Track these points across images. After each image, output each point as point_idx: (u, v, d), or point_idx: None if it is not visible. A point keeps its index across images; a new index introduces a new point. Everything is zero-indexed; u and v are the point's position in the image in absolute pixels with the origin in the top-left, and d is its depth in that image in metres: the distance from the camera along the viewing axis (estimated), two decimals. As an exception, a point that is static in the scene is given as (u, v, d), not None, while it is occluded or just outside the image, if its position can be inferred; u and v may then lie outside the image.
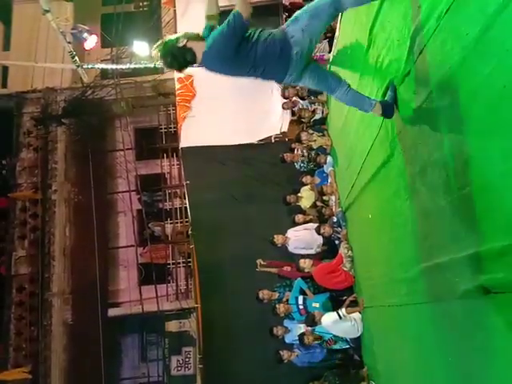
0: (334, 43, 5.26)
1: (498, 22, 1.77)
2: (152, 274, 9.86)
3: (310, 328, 5.31)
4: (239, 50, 2.59)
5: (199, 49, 2.58)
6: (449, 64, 2.23)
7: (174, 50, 2.54)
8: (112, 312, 10.10)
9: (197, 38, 2.61)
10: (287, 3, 6.76)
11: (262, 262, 5.88)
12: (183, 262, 10.57)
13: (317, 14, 2.61)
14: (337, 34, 5.10)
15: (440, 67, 2.33)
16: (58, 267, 9.69)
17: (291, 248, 5.89)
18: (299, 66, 2.68)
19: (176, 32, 7.66)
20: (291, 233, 5.92)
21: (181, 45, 2.54)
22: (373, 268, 4.42)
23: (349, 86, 2.93)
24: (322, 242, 5.73)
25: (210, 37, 2.60)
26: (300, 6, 6.49)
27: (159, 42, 2.60)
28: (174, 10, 7.83)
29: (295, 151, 6.32)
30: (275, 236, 5.82)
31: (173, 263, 10.62)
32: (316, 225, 5.75)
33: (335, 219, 5.59)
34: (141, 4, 10.41)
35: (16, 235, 9.83)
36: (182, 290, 10.54)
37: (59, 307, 9.55)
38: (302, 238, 5.84)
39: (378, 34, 3.51)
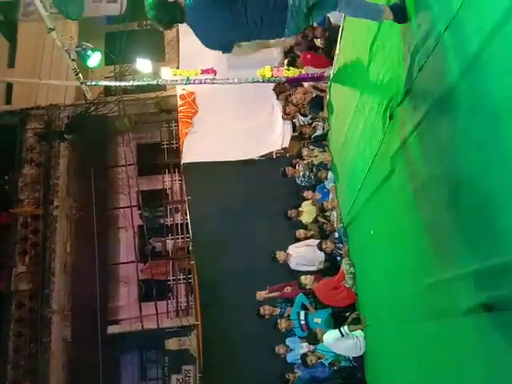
0: (335, 60, 5.33)
1: (495, 40, 1.80)
2: (152, 290, 9.78)
3: (312, 347, 5.25)
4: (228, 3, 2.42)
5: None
6: (448, 81, 2.26)
7: (163, 4, 2.40)
8: (111, 329, 9.98)
9: None
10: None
11: (262, 294, 5.84)
12: (184, 279, 10.50)
13: None
14: (337, 51, 5.18)
15: (439, 84, 2.36)
16: (58, 283, 9.61)
17: (293, 265, 5.86)
18: (296, 17, 2.51)
19: (179, 51, 7.82)
20: (292, 249, 5.90)
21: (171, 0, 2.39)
22: (375, 285, 4.38)
23: None
24: (323, 258, 5.70)
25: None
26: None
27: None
28: (177, 29, 7.97)
29: (297, 166, 6.35)
30: (277, 252, 5.80)
31: (173, 279, 10.55)
32: (317, 241, 5.73)
33: (337, 235, 5.58)
34: (144, 22, 10.60)
35: (17, 251, 9.78)
36: (183, 307, 10.43)
37: (58, 324, 9.43)
38: (303, 254, 5.81)
39: (378, 51, 3.56)
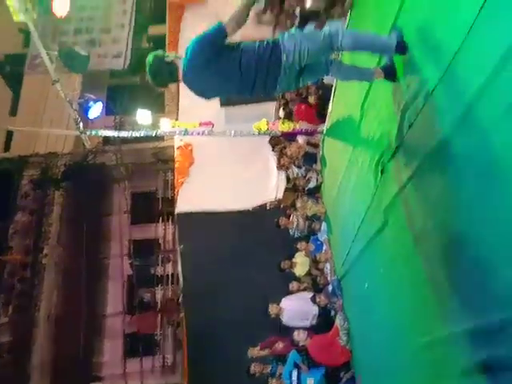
0: (328, 116, 5.55)
1: (481, 101, 1.90)
2: (138, 344, 9.37)
3: (304, 408, 4.98)
4: (222, 54, 2.59)
5: (180, 61, 2.63)
6: (437, 138, 2.34)
7: (161, 64, 2.62)
8: (94, 387, 9.44)
9: (178, 56, 2.66)
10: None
11: (254, 351, 5.64)
12: (172, 332, 10.11)
13: (313, 38, 2.63)
14: (330, 108, 5.40)
15: (429, 140, 2.44)
16: (40, 336, 9.20)
17: (286, 320, 5.70)
18: (289, 74, 2.64)
19: (178, 104, 8.11)
20: (285, 302, 5.77)
21: (169, 60, 2.62)
22: (370, 342, 4.25)
23: (339, 62, 2.91)
24: (317, 312, 5.56)
25: (189, 44, 2.61)
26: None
27: (149, 56, 2.64)
28: (178, 83, 8.33)
29: (291, 217, 6.38)
30: (269, 306, 5.66)
31: (161, 333, 10.15)
32: (311, 294, 5.62)
33: (331, 288, 5.48)
34: (146, 77, 11.08)
35: (0, 301, 9.46)
36: (169, 364, 9.95)
37: (38, 380, 8.90)
38: (296, 308, 5.68)
39: (369, 108, 3.73)
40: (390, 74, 2.93)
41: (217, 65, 2.60)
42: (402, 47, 2.67)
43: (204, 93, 2.79)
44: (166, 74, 2.66)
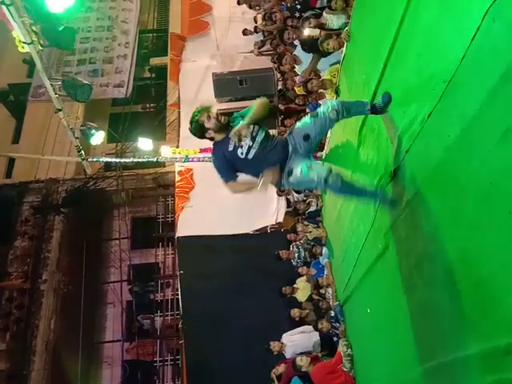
0: (326, 142, 5.65)
1: (477, 125, 1.95)
2: (137, 372, 9.19)
3: None
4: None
5: (218, 138, 2.95)
6: (434, 163, 2.39)
7: (201, 131, 2.93)
8: (91, 417, 9.20)
9: (222, 128, 2.91)
10: (283, 108, 7.38)
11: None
12: (171, 360, 9.92)
13: (321, 129, 2.96)
14: (328, 134, 5.51)
15: (426, 166, 2.49)
16: (38, 363, 9.02)
17: (288, 355, 5.63)
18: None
19: (179, 132, 8.24)
20: (287, 338, 5.72)
21: (208, 136, 2.94)
22: (374, 368, 4.19)
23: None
24: (318, 339, 5.50)
25: (214, 155, 3.02)
26: (295, 111, 7.10)
27: (199, 111, 2.91)
28: (179, 112, 8.50)
29: (291, 248, 6.39)
30: (271, 343, 5.62)
31: (160, 361, 9.96)
32: (311, 327, 5.58)
33: (333, 313, 5.44)
34: (148, 105, 11.30)
35: (-2, 328, 9.34)
36: (168, 393, 9.73)
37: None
38: (298, 343, 5.63)
39: (366, 134, 3.81)
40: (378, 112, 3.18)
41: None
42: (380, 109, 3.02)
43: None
44: (201, 132, 2.95)
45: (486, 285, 1.95)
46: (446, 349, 2.43)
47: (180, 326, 7.32)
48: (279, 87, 7.28)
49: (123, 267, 10.20)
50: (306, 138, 2.93)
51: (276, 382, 5.61)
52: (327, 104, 2.96)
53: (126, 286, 10.47)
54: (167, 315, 10.21)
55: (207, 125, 2.87)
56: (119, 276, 10.25)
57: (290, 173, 2.89)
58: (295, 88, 6.54)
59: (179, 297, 7.36)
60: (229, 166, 2.96)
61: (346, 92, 4.48)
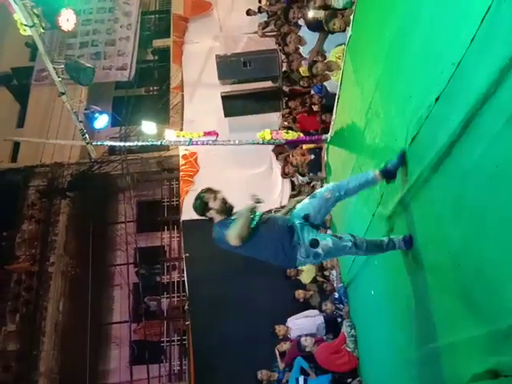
0: (332, 125, 5.61)
1: (484, 108, 1.94)
2: (144, 352, 9.40)
3: (312, 415, 4.98)
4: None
5: (215, 219, 2.98)
6: (441, 148, 2.37)
7: (203, 210, 2.98)
8: (100, 395, 9.46)
9: (224, 211, 2.96)
10: (287, 90, 7.30)
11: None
12: (178, 340, 10.12)
13: (320, 209, 2.99)
14: (333, 116, 5.46)
15: (433, 151, 2.47)
16: (47, 344, 9.23)
17: (294, 336, 5.72)
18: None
19: (183, 115, 8.20)
20: (292, 322, 5.79)
21: (209, 216, 2.98)
22: (377, 349, 4.26)
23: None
24: (323, 321, 5.57)
25: (217, 225, 2.95)
26: (299, 93, 7.03)
27: (203, 194, 3.01)
28: (182, 95, 8.44)
29: None
30: (276, 327, 5.69)
31: (167, 341, 10.16)
32: (316, 311, 5.64)
33: (337, 295, 5.50)
34: (151, 88, 11.23)
35: (8, 309, 9.52)
36: (176, 371, 9.95)
37: (45, 388, 8.95)
38: (302, 326, 5.71)
39: (372, 118, 3.77)
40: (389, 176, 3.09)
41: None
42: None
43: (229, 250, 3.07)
44: (203, 213, 3.00)
45: (488, 270, 1.97)
46: (448, 331, 2.47)
47: (186, 307, 7.43)
48: (283, 69, 7.18)
49: (129, 250, 10.32)
50: (306, 218, 2.97)
51: (279, 357, 5.72)
52: (325, 186, 3.12)
53: (133, 268, 10.61)
54: (173, 297, 10.37)
55: (211, 204, 2.95)
56: (126, 259, 10.39)
57: (315, 244, 2.86)
58: (300, 70, 6.47)
59: (185, 279, 7.45)
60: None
61: (351, 73, 4.42)
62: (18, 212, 10.34)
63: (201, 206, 2.97)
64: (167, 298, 10.39)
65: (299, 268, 6.24)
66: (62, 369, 9.22)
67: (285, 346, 5.67)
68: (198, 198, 3.00)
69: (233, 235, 2.79)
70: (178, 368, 9.99)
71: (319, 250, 2.84)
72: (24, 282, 9.82)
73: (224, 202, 2.98)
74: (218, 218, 2.95)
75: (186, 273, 7.39)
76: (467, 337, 2.20)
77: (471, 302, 2.17)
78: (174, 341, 10.18)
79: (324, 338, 5.50)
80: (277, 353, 5.72)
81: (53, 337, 9.34)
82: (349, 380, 4.90)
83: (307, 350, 5.30)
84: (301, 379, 5.26)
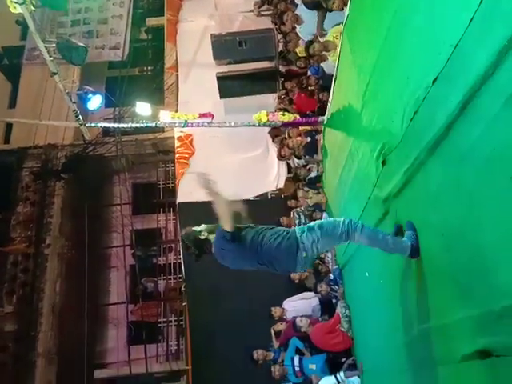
0: (328, 106, 5.55)
1: (482, 90, 1.92)
2: (142, 332, 9.51)
3: (307, 393, 5.09)
4: (240, 247, 2.91)
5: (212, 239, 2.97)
6: (438, 130, 2.36)
7: (196, 241, 2.99)
8: (98, 374, 9.58)
9: (213, 230, 2.95)
10: (283, 70, 7.20)
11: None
12: (175, 321, 10.24)
13: (330, 235, 2.86)
14: (330, 98, 5.40)
15: (430, 133, 2.46)
16: (45, 325, 9.32)
17: (290, 317, 5.79)
18: (305, 263, 2.97)
19: (178, 96, 8.09)
20: (288, 304, 5.86)
21: (202, 238, 2.97)
22: (371, 329, 4.33)
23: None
24: (319, 305, 5.64)
25: (215, 237, 2.95)
26: (296, 74, 6.95)
27: (185, 230, 3.08)
28: (177, 75, 8.30)
29: (291, 214, 6.41)
30: (272, 309, 5.76)
31: (164, 321, 10.28)
32: (312, 293, 5.70)
33: (332, 277, 5.56)
34: (145, 68, 11.03)
35: (4, 290, 9.57)
36: (173, 351, 10.11)
37: (43, 368, 9.06)
38: (298, 308, 5.77)
39: (369, 100, 3.73)
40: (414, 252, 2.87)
41: (237, 257, 2.99)
42: (415, 251, 2.77)
43: (229, 265, 3.11)
44: (199, 248, 3.01)
45: (483, 252, 1.98)
46: (442, 312, 2.50)
47: (183, 288, 7.49)
48: (280, 49, 7.07)
49: (125, 232, 10.33)
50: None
51: (274, 337, 5.81)
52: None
53: (129, 250, 10.64)
54: (170, 278, 10.45)
55: (198, 229, 3.01)
56: (122, 241, 10.40)
57: (311, 229, 2.86)
58: (296, 50, 6.36)
59: (181, 261, 7.48)
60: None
61: (348, 54, 4.35)
62: (12, 194, 10.28)
63: (194, 237, 3.00)
64: (164, 279, 10.46)
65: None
66: (60, 349, 9.33)
67: (280, 327, 5.76)
68: (187, 237, 3.04)
69: (222, 220, 2.81)
70: (176, 348, 10.14)
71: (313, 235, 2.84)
72: (20, 263, 9.84)
73: (206, 225, 3.01)
74: (211, 236, 2.98)
75: (182, 255, 7.42)
76: (459, 318, 2.23)
77: (465, 284, 2.19)
78: (171, 321, 10.30)
79: (319, 318, 5.58)
80: (272, 333, 5.80)
81: (50, 318, 9.42)
82: (343, 359, 4.99)
83: (302, 330, 5.38)
84: (296, 358, 5.37)
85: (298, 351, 5.48)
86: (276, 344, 5.78)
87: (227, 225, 2.82)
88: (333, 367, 5.01)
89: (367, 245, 2.99)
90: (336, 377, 4.65)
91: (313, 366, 5.21)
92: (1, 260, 9.85)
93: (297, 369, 5.30)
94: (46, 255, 9.89)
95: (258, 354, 5.63)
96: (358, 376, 4.68)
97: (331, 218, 3.09)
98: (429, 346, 2.72)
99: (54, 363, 9.21)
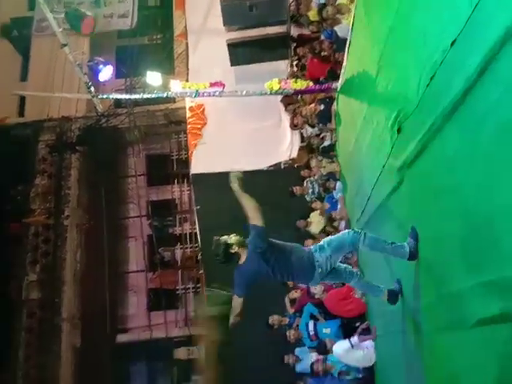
0: (342, 72, 5.40)
1: (501, 52, 1.83)
2: (161, 299, 9.82)
3: (321, 357, 5.24)
4: (266, 262, 3.19)
5: (243, 255, 3.23)
6: (455, 95, 2.28)
7: (226, 253, 3.21)
8: (120, 338, 10.02)
9: (243, 244, 3.21)
10: (295, 35, 6.99)
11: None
12: (193, 288, 10.53)
13: (339, 249, 3.29)
14: (344, 63, 5.25)
15: (447, 98, 2.38)
16: (68, 292, 9.70)
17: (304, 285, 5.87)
18: (320, 278, 3.33)
19: (188, 64, 7.97)
20: None
21: (233, 251, 3.19)
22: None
23: (359, 276, 3.61)
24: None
25: (248, 254, 3.21)
26: (308, 39, 6.74)
27: (216, 241, 3.25)
28: (186, 43, 8.14)
29: (304, 183, 6.39)
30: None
31: (182, 289, 10.59)
32: None
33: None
34: (154, 37, 10.80)
35: (28, 260, 9.92)
36: (191, 317, 10.44)
37: (68, 332, 9.51)
38: None
39: (385, 65, 3.62)
40: (392, 298, 3.53)
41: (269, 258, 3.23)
42: (413, 256, 3.12)
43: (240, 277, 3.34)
44: (228, 258, 3.24)
45: (500, 218, 1.95)
46: (456, 278, 2.50)
47: (199, 257, 7.65)
48: (291, 13, 6.83)
49: (141, 203, 10.48)
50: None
51: (289, 305, 5.94)
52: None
53: (146, 220, 10.83)
54: (187, 247, 10.66)
55: (230, 241, 3.21)
56: (138, 212, 10.58)
57: (322, 248, 3.27)
58: (309, 14, 6.14)
59: (197, 230, 7.61)
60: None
61: (363, 16, 4.19)
62: (29, 167, 10.46)
63: (224, 249, 3.19)
64: (181, 248, 10.68)
65: (308, 219, 6.31)
66: (84, 315, 9.73)
67: (295, 294, 5.87)
68: (217, 247, 3.22)
69: (253, 216, 3.12)
70: (194, 313, 10.45)
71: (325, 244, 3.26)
72: (41, 234, 10.14)
73: (238, 236, 3.23)
74: (243, 252, 3.20)
75: (197, 224, 7.54)
76: (474, 283, 2.23)
77: (481, 250, 2.18)
78: (188, 288, 10.59)
79: (333, 285, 5.66)
80: (287, 300, 5.93)
81: (72, 285, 9.78)
82: (357, 324, 5.09)
83: (316, 297, 5.48)
84: (310, 323, 5.50)
85: (313, 317, 5.61)
86: (291, 310, 5.92)
87: (259, 221, 3.12)
88: (347, 332, 5.13)
89: (369, 250, 3.48)
90: (350, 341, 4.76)
91: (327, 331, 5.34)
92: (23, 231, 10.16)
93: (311, 333, 5.44)
94: (66, 226, 10.15)
95: (274, 319, 5.78)
96: (372, 340, 4.78)
97: (337, 235, 3.42)
98: (443, 311, 2.75)
99: (78, 328, 9.63)
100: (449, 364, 2.73)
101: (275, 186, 6.86)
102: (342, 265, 3.53)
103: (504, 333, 2.00)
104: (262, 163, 7.25)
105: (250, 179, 7.10)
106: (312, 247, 3.33)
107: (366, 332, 4.84)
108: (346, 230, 3.38)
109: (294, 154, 7.12)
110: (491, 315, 2.07)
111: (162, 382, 10.66)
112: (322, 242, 3.30)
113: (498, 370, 2.07)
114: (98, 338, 9.40)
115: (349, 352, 4.80)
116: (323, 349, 5.05)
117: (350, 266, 3.68)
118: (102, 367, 9.00)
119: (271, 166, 7.29)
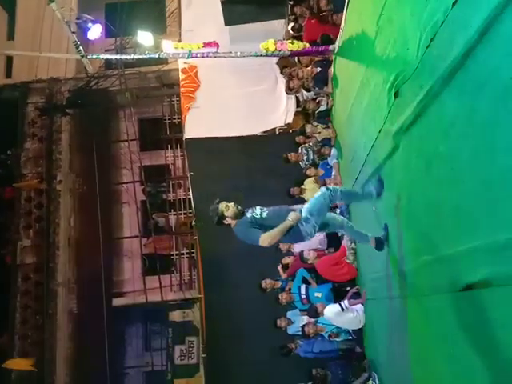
0: (340, 33, 5.22)
1: (505, 14, 1.75)
2: (156, 264, 9.93)
3: (312, 320, 5.36)
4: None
5: (232, 224, 3.42)
6: (455, 58, 2.21)
7: (219, 217, 3.41)
8: (116, 302, 10.19)
9: (238, 216, 3.39)
10: (293, -7, 6.70)
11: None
12: (187, 253, 10.62)
13: (321, 212, 3.47)
14: (342, 23, 5.06)
15: (446, 61, 2.31)
16: (62, 257, 9.75)
17: (297, 251, 5.90)
18: (312, 237, 3.54)
19: (180, 23, 7.65)
20: (296, 246, 5.94)
21: (226, 222, 3.41)
22: (375, 260, 4.43)
23: (347, 223, 3.90)
24: (325, 238, 5.73)
25: (238, 226, 3.41)
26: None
27: (215, 204, 3.42)
28: (179, 0, 7.79)
29: (299, 150, 6.30)
30: (280, 244, 5.84)
31: (176, 254, 10.68)
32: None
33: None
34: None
35: (21, 225, 9.89)
36: (186, 281, 10.60)
37: (64, 296, 9.64)
38: (305, 243, 5.85)
39: (384, 25, 3.49)
40: (379, 245, 3.78)
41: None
42: (381, 245, 3.72)
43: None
44: (219, 223, 3.44)
45: (492, 185, 1.94)
46: (446, 243, 2.52)
47: (193, 223, 7.65)
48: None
49: (134, 169, 10.37)
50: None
51: (281, 270, 6.02)
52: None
53: (139, 186, 10.76)
54: (180, 214, 10.66)
55: (226, 213, 3.37)
56: (131, 177, 10.48)
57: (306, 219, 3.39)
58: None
59: (191, 197, 7.57)
60: (252, 227, 3.37)
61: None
62: (19, 130, 10.23)
63: (219, 218, 3.40)
64: (174, 214, 10.69)
65: (303, 186, 6.28)
66: (79, 279, 9.84)
67: (288, 260, 5.93)
68: (215, 213, 3.38)
69: (267, 239, 3.26)
70: (188, 278, 10.62)
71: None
72: (34, 199, 10.07)
73: (236, 208, 3.38)
74: (234, 222, 3.39)
75: (191, 191, 7.49)
76: (464, 248, 2.24)
77: (472, 216, 2.18)
78: (183, 254, 10.68)
79: (326, 251, 5.72)
80: (279, 266, 6.00)
81: (67, 250, 9.82)
82: (348, 288, 5.19)
83: (309, 262, 5.54)
84: (303, 287, 5.60)
85: (305, 281, 5.70)
86: (283, 275, 6.00)
87: (264, 242, 3.30)
88: (337, 296, 5.23)
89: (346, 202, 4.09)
90: (340, 304, 4.86)
91: (318, 294, 5.44)
92: (15, 196, 10.08)
93: (303, 296, 5.54)
94: (59, 191, 10.07)
95: (267, 283, 5.86)
96: (362, 304, 4.89)
97: (314, 199, 3.49)
98: (431, 275, 2.78)
99: (74, 292, 9.77)
100: (435, 327, 2.78)
101: (269, 151, 6.78)
102: (330, 216, 3.69)
103: (492, 297, 2.02)
104: (257, 128, 7.12)
105: (245, 145, 7.06)
106: (299, 218, 3.38)
107: (356, 296, 4.94)
108: (320, 192, 3.49)
109: (290, 119, 6.98)
110: (480, 279, 2.09)
111: (157, 343, 10.96)
112: (304, 214, 3.38)
113: (484, 333, 2.11)
114: (93, 301, 9.55)
115: (339, 315, 4.91)
116: (314, 313, 5.16)
117: (337, 216, 3.91)
118: (98, 329, 9.19)
119: (266, 132, 7.16)
